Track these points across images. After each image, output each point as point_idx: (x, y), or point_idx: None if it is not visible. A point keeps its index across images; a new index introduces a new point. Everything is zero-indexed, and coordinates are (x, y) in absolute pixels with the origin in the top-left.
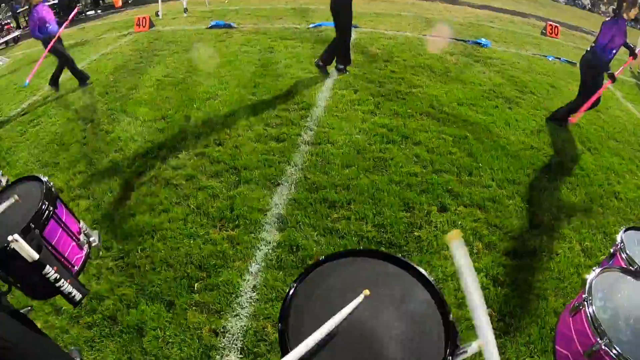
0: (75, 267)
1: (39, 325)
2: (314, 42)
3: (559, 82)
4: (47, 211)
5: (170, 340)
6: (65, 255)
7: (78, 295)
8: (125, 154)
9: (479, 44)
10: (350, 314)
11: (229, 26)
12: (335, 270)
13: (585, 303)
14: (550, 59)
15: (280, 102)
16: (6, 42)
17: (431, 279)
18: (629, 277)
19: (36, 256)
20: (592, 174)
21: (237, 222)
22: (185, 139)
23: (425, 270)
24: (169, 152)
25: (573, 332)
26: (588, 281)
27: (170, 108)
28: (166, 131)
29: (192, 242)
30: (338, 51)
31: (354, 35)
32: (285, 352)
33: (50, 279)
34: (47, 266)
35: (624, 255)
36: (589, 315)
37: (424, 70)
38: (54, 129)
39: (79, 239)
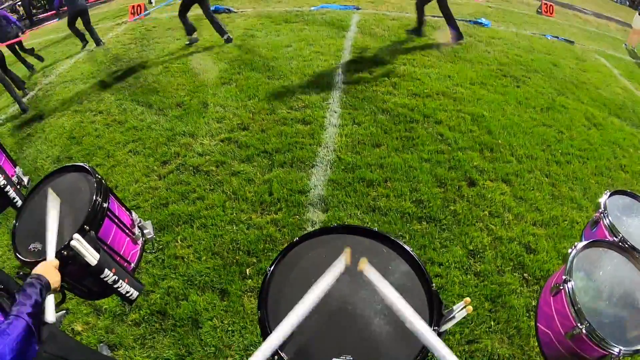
0: (132, 264)
1: (78, 327)
2: (320, 25)
3: (560, 60)
4: (101, 209)
5: (230, 329)
6: (121, 253)
7: (135, 293)
8: (145, 143)
9: (480, 23)
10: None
11: (229, 10)
12: (310, 250)
13: (566, 285)
14: (549, 38)
15: (299, 85)
16: None
17: (410, 249)
18: (612, 251)
19: (97, 258)
20: (599, 149)
21: (278, 205)
22: (207, 125)
23: (464, 241)
24: (192, 139)
25: (554, 312)
26: (569, 259)
27: (185, 94)
28: (185, 118)
29: (235, 228)
30: None
31: (357, 17)
32: (266, 337)
33: (109, 281)
34: (106, 270)
35: (606, 222)
36: (569, 297)
37: (432, 50)
38: (60, 122)
39: (133, 233)
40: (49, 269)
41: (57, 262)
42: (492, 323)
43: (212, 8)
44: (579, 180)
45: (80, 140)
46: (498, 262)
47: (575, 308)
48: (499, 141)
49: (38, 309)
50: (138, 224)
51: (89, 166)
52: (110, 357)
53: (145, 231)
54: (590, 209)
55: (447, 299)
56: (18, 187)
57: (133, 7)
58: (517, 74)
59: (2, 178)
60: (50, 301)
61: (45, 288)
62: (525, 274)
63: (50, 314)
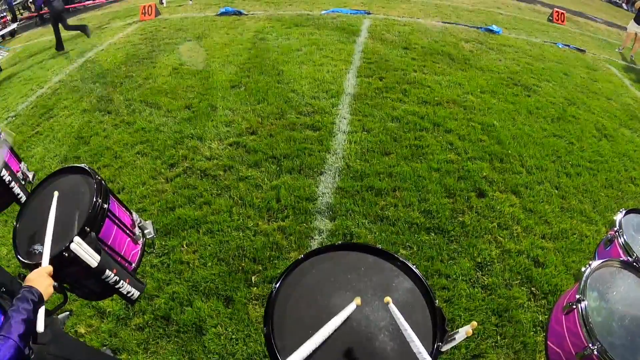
0: (133, 264)
1: (82, 330)
2: (331, 29)
3: (571, 69)
4: (101, 210)
5: (234, 337)
6: (122, 254)
7: (136, 293)
8: (153, 145)
9: (491, 31)
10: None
11: (239, 13)
12: (314, 267)
13: (579, 304)
14: (560, 46)
15: (309, 90)
16: (2, 36)
17: (413, 267)
18: (626, 271)
19: (98, 260)
20: (610, 161)
21: (285, 213)
22: (216, 128)
23: (472, 253)
24: (201, 142)
25: (565, 331)
26: (583, 278)
27: (194, 97)
28: (193, 121)
29: (241, 234)
30: None
31: (368, 22)
32: (272, 354)
33: (110, 282)
34: (107, 270)
35: (621, 241)
36: (582, 317)
37: (443, 57)
38: (69, 121)
39: (134, 233)
40: (40, 278)
41: (50, 269)
42: (499, 337)
43: (222, 10)
44: (589, 193)
45: (88, 140)
46: (506, 275)
47: (588, 328)
48: (509, 151)
49: (29, 328)
50: (138, 224)
51: (89, 167)
52: (113, 357)
53: (145, 231)
54: (600, 222)
55: (454, 313)
56: (23, 182)
57: (144, 7)
58: (527, 82)
59: (7, 174)
60: (40, 312)
61: (38, 300)
62: (533, 288)
63: (40, 325)
